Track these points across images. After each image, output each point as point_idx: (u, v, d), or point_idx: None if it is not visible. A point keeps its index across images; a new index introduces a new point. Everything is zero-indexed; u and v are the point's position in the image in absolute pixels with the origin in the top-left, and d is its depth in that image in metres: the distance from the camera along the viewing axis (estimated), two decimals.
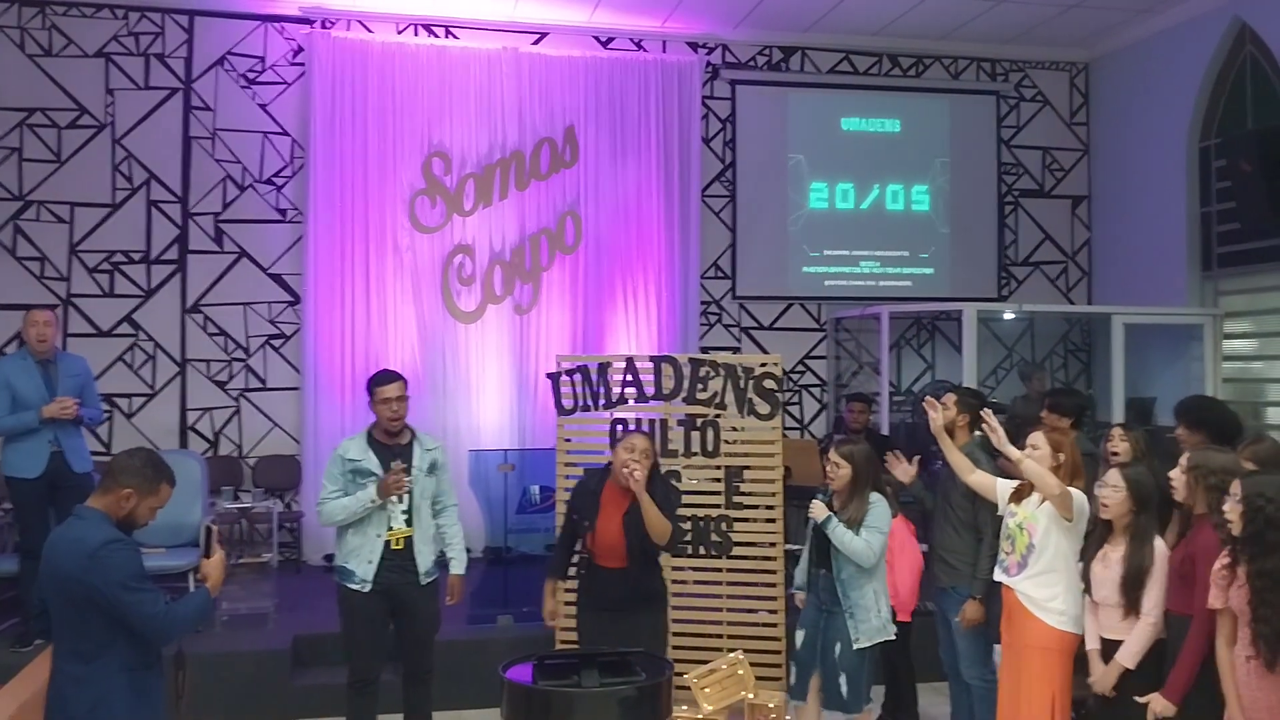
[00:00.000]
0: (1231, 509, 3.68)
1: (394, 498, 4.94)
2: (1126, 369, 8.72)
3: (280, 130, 8.92)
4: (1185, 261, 9.15)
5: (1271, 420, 8.31)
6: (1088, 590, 4.32)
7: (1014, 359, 10.12)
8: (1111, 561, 4.21)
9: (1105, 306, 9.35)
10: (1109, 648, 4.24)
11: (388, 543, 4.96)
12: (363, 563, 4.94)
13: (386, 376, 5.11)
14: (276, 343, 8.91)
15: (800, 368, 9.85)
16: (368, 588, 4.92)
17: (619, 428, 6.18)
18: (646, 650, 4.47)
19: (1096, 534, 4.36)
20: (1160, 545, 4.20)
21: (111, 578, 3.38)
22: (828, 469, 4.96)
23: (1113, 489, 4.23)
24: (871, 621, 4.84)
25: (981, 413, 4.88)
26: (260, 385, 8.87)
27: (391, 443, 5.07)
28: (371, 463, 4.98)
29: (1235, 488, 3.70)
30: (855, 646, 4.81)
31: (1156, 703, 3.90)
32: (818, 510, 4.87)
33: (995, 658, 5.81)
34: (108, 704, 3.45)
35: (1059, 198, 10.51)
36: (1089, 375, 10.20)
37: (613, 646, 4.41)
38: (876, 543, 4.79)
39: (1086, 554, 4.36)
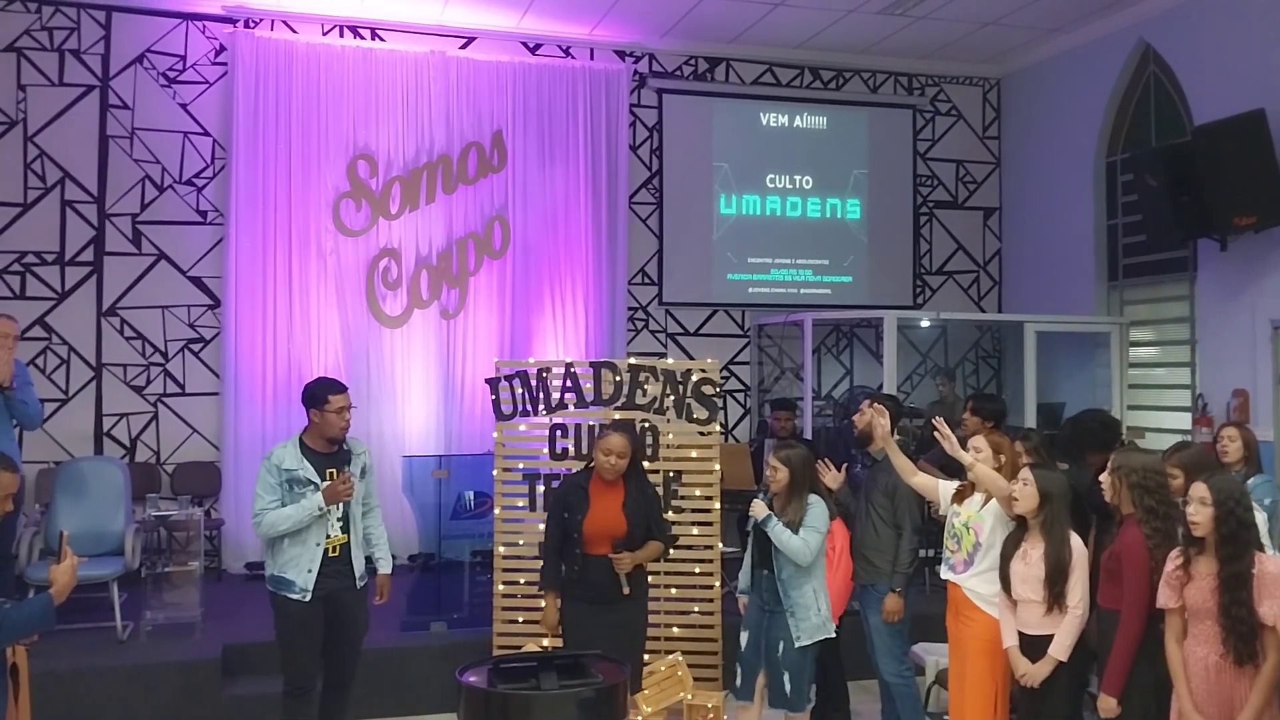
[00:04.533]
0: (1198, 511, 3.78)
1: (334, 505, 4.92)
2: (1037, 375, 9.04)
3: (201, 130, 8.75)
4: (1092, 272, 9.53)
5: (1171, 425, 8.70)
6: (1005, 589, 4.46)
7: (928, 365, 10.41)
8: (1032, 559, 4.36)
9: (1018, 315, 9.68)
10: (1027, 643, 4.39)
11: (325, 550, 4.93)
12: (302, 572, 4.88)
13: (338, 385, 5.07)
14: (196, 347, 8.73)
15: (725, 373, 9.98)
16: (308, 597, 4.88)
17: (558, 433, 6.21)
18: (629, 642, 4.73)
19: (1014, 533, 4.53)
20: (1077, 540, 4.38)
21: None
22: (767, 472, 5.06)
23: (1023, 484, 4.44)
24: (811, 620, 4.94)
25: (934, 421, 5.04)
26: (179, 390, 8.67)
27: (327, 450, 5.02)
28: (309, 471, 4.92)
29: (1200, 491, 3.80)
30: (797, 645, 4.91)
31: (1103, 702, 4.03)
32: (758, 509, 4.97)
33: (921, 656, 6.02)
34: None
35: (971, 209, 10.85)
36: (999, 381, 10.54)
37: (602, 638, 4.57)
38: (814, 541, 4.91)
39: (1004, 553, 4.51)
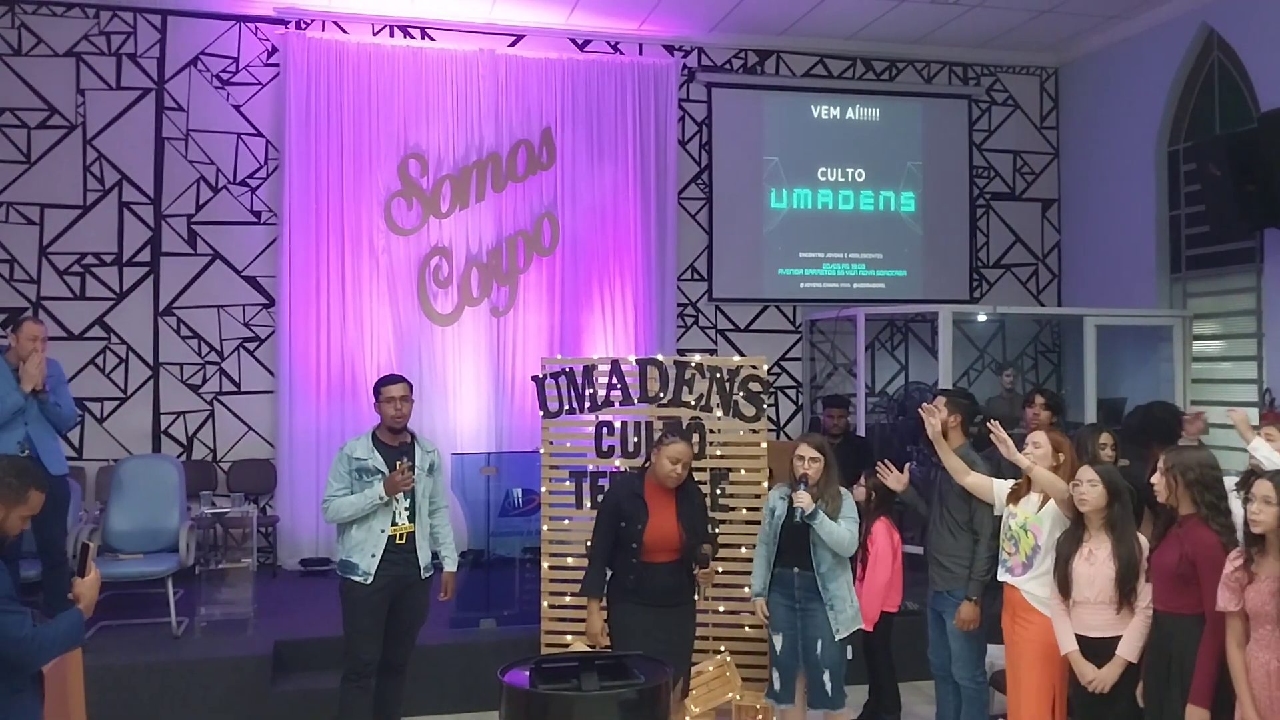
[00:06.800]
0: (1261, 510, 3.63)
1: (399, 494, 5.13)
2: (1097, 370, 8.84)
3: (254, 131, 8.84)
4: (1154, 264, 9.29)
5: None
6: (1064, 591, 4.30)
7: (985, 360, 10.22)
8: (1099, 559, 4.21)
9: (1078, 308, 9.47)
10: (1089, 647, 4.24)
11: (391, 537, 5.14)
12: (366, 556, 5.11)
13: (393, 378, 5.36)
14: (251, 346, 8.83)
15: (776, 369, 9.89)
16: (370, 580, 5.09)
17: (604, 431, 6.18)
18: (682, 645, 4.78)
19: (1071, 533, 4.37)
20: (1141, 538, 4.25)
21: None
22: (801, 464, 4.98)
23: (1089, 483, 4.28)
24: (847, 611, 4.97)
25: (989, 424, 4.91)
26: (234, 389, 8.79)
27: (395, 443, 5.25)
28: (377, 461, 5.17)
29: (1265, 489, 3.64)
30: (837, 638, 4.91)
31: (1192, 714, 3.82)
32: (806, 500, 4.85)
33: (990, 660, 5.89)
34: None
35: (1029, 200, 10.63)
36: (1059, 376, 10.32)
37: (658, 642, 4.57)
38: (855, 530, 4.96)
39: (1062, 553, 4.35)
